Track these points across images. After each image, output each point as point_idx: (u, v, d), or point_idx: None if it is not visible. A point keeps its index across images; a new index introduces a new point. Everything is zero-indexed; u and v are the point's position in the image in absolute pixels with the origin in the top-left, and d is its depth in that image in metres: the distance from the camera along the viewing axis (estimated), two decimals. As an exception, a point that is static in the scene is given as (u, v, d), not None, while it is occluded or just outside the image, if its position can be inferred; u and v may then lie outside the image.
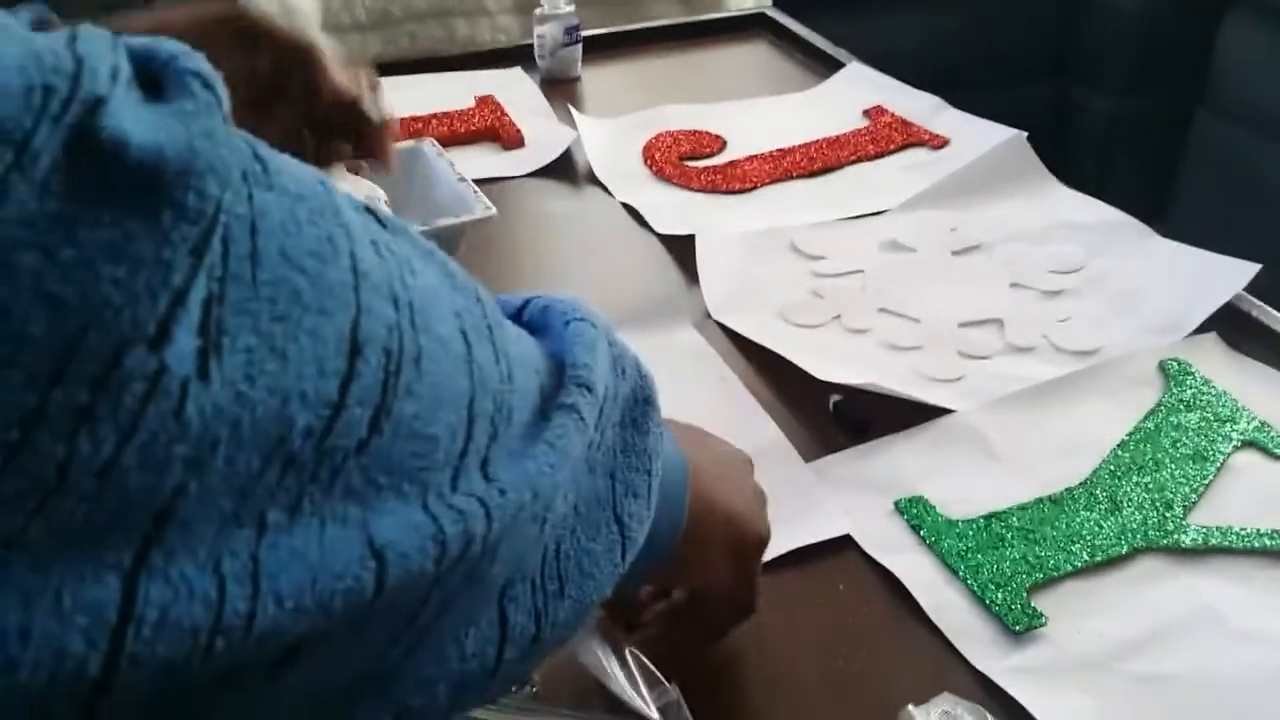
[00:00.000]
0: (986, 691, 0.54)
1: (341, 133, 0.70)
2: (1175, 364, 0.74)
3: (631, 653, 0.52)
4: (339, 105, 0.67)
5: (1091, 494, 0.64)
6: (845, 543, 0.62)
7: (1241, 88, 1.88)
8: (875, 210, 0.93)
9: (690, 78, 1.22)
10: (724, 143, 1.05)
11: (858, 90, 1.12)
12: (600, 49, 1.25)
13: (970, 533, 0.62)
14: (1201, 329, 0.77)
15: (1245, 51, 1.88)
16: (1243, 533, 0.61)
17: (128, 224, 0.23)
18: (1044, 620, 0.57)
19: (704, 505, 0.46)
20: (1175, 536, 0.61)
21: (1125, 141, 2.09)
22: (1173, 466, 0.66)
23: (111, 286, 0.23)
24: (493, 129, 1.07)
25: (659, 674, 0.51)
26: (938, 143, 1.02)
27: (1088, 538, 0.61)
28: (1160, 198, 2.00)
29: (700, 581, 0.50)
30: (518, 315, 0.40)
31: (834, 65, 1.19)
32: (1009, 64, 2.10)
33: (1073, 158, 2.12)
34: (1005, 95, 1.91)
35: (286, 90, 0.64)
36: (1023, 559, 0.60)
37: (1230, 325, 0.77)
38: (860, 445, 0.68)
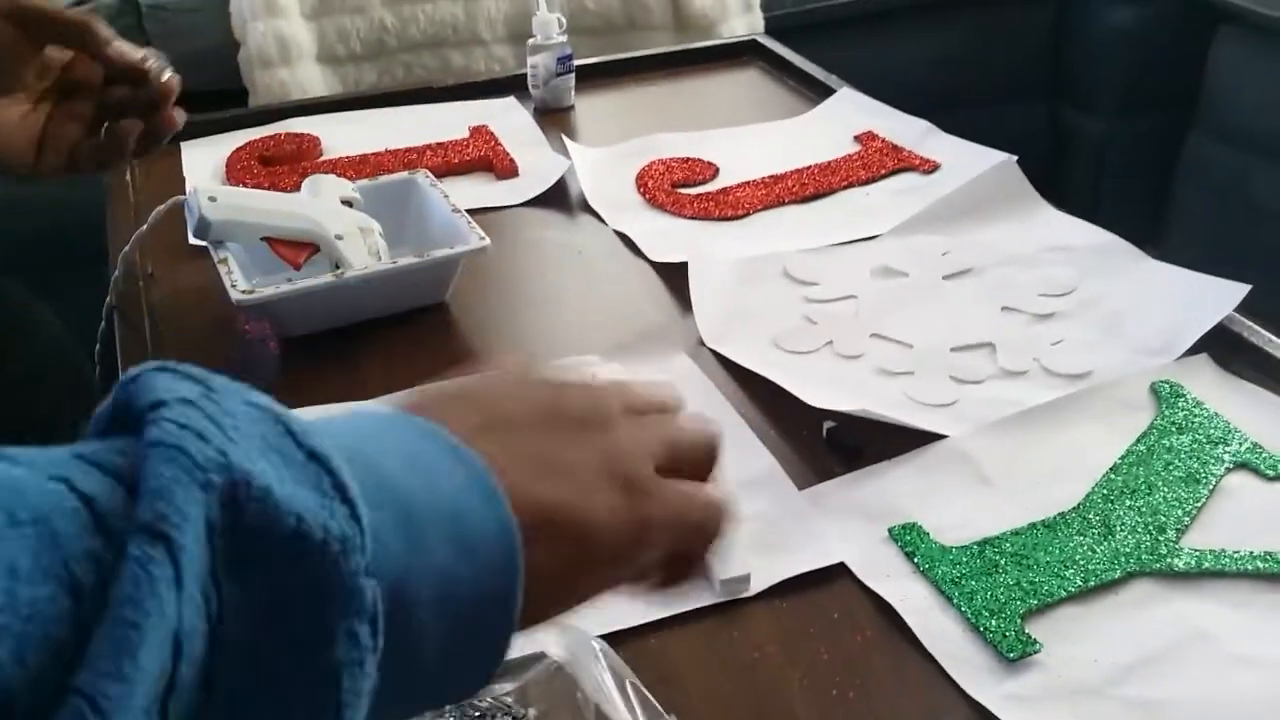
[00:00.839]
0: (982, 719, 0.54)
1: (130, 108, 0.73)
2: (1167, 386, 0.74)
3: (632, 685, 0.52)
4: (127, 71, 0.70)
5: (1084, 518, 0.64)
6: (839, 570, 0.62)
7: (1234, 107, 1.89)
8: (867, 235, 0.93)
9: (683, 105, 1.23)
10: (716, 170, 1.06)
11: (848, 116, 1.13)
12: (593, 78, 1.25)
13: (964, 559, 0.62)
14: (1193, 350, 0.77)
15: (1237, 71, 1.89)
16: (1236, 555, 0.61)
17: None
18: (1038, 647, 0.56)
19: (538, 528, 0.33)
20: (1169, 560, 0.61)
21: (1119, 162, 2.10)
22: (1165, 489, 0.66)
23: None
24: (486, 159, 1.08)
25: (659, 706, 0.51)
26: (928, 167, 1.03)
27: (1081, 562, 0.61)
28: (1155, 218, 2.00)
29: (590, 597, 0.37)
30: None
31: (825, 91, 1.19)
32: (1002, 87, 2.11)
33: (1067, 179, 2.13)
34: (999, 117, 1.92)
35: (78, 78, 0.69)
36: (1016, 585, 0.60)
37: (1222, 346, 0.77)
38: (853, 472, 0.68)
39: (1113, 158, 2.09)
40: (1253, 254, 1.69)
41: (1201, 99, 1.95)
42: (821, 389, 0.73)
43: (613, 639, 0.57)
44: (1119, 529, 0.63)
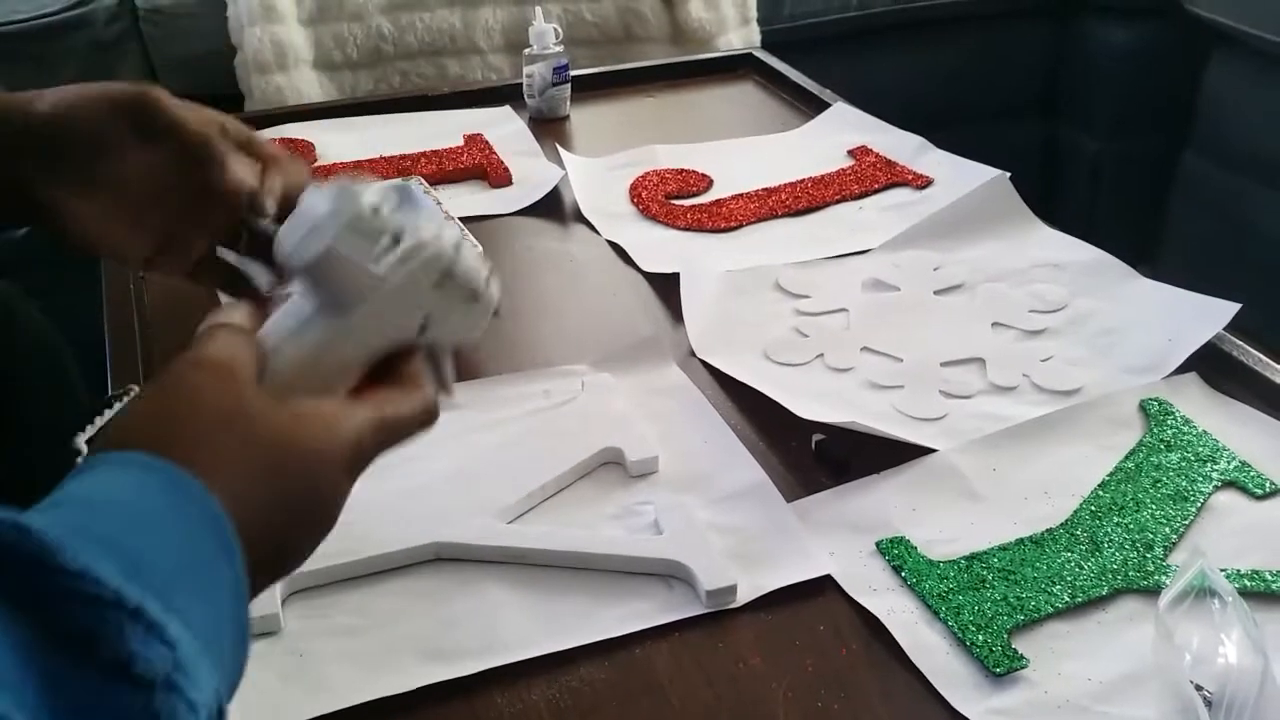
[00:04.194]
0: (966, 734, 0.53)
1: (225, 235, 0.61)
2: (1156, 404, 0.74)
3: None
4: (231, 202, 0.58)
5: (1072, 534, 0.64)
6: (826, 583, 0.62)
7: (1228, 129, 1.90)
8: (859, 249, 0.93)
9: (678, 117, 1.23)
10: (710, 181, 1.06)
11: (842, 130, 1.13)
12: (589, 88, 1.26)
13: (951, 573, 0.62)
14: (1182, 369, 0.77)
15: (1232, 93, 1.90)
16: (1223, 573, 0.61)
17: None
18: (1025, 662, 0.56)
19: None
20: (1156, 577, 0.61)
21: (1113, 182, 2.10)
22: (1153, 507, 0.66)
23: None
24: (481, 167, 1.08)
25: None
26: (921, 182, 1.03)
27: (1068, 579, 0.61)
28: (1148, 237, 2.01)
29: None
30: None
31: (820, 105, 1.20)
32: (998, 104, 2.11)
33: (1061, 197, 2.13)
34: (994, 135, 1.92)
35: (179, 189, 0.57)
36: (1003, 600, 0.60)
37: (1211, 365, 0.77)
38: (842, 485, 0.68)
39: (1107, 177, 2.10)
40: (1245, 274, 1.69)
41: (1196, 120, 1.96)
42: (811, 401, 0.73)
43: (598, 648, 0.57)
44: (1106, 546, 0.63)
